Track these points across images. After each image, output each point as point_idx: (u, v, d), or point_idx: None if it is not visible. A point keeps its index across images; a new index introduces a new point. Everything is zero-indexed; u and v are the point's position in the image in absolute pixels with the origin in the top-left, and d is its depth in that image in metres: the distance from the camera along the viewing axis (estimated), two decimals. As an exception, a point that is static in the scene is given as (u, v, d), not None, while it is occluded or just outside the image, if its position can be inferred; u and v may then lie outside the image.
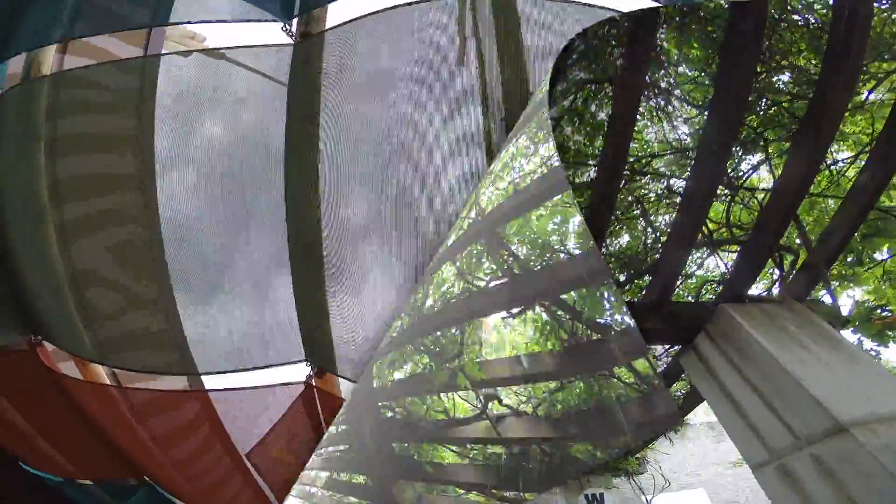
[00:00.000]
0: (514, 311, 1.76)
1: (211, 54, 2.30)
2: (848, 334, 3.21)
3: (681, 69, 2.81)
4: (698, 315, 3.10)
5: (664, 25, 2.66)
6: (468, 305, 1.97)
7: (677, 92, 2.84)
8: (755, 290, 3.20)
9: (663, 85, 2.85)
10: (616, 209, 3.15)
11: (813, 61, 2.60)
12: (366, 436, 2.62)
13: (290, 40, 2.15)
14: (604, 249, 3.39)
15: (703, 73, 2.77)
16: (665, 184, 3.21)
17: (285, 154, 2.23)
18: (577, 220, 1.52)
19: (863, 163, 2.75)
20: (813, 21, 2.57)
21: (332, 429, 2.61)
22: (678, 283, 3.34)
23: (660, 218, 3.39)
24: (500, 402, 1.87)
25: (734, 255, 3.28)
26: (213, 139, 2.31)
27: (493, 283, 1.82)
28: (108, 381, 2.48)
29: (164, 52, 2.32)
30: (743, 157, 3.08)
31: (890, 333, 3.07)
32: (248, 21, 2.07)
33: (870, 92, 2.75)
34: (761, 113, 2.84)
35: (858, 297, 3.28)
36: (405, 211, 2.13)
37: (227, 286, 2.42)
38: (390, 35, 2.12)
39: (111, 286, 2.58)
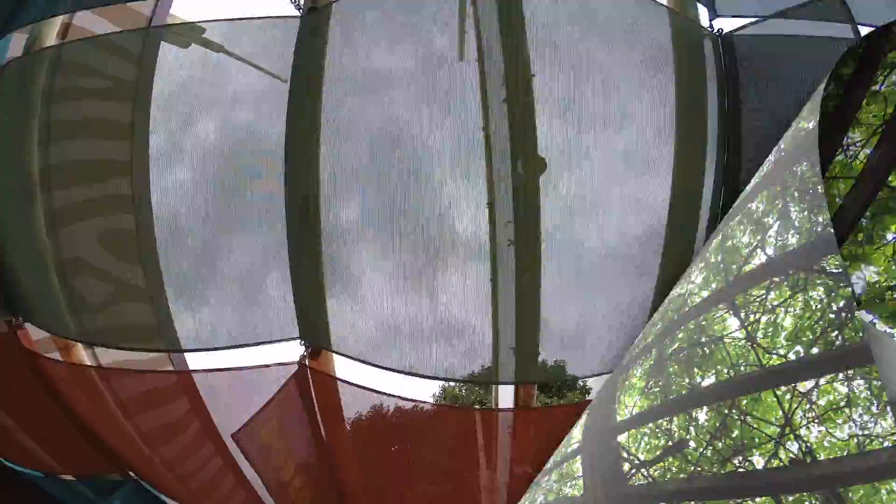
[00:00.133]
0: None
1: (210, 47, 2.29)
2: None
3: None
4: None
5: None
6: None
7: None
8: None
9: None
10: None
11: None
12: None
13: (297, 13, 2.14)
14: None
15: None
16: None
17: (285, 149, 2.20)
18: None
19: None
20: None
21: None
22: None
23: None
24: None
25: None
26: (209, 132, 2.28)
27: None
28: (89, 362, 2.37)
29: (163, 42, 2.31)
30: None
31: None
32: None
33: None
34: None
35: (868, 278, 3.21)
36: (403, 210, 2.11)
37: (220, 280, 2.35)
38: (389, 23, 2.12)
39: (99, 274, 2.50)
